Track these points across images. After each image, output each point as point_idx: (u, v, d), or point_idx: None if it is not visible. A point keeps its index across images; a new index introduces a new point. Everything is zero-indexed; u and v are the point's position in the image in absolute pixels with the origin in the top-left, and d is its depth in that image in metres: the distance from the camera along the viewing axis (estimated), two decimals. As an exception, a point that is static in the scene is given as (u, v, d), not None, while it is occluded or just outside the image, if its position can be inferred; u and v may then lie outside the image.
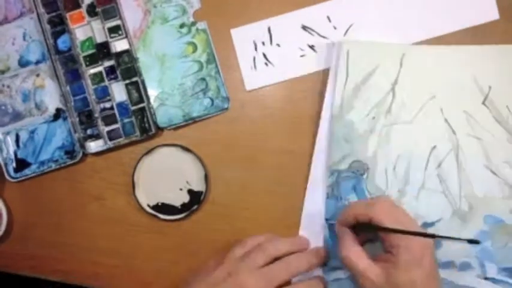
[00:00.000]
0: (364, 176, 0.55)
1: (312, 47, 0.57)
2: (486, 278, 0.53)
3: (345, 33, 0.57)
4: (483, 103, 0.55)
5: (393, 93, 0.55)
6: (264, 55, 0.57)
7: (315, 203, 0.56)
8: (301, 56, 0.57)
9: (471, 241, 0.43)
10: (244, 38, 0.58)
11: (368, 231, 0.50)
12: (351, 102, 0.55)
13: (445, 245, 0.53)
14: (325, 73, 0.57)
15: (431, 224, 0.54)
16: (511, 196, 0.53)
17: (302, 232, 0.56)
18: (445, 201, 0.54)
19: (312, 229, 0.56)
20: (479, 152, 0.54)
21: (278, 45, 0.57)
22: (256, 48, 0.57)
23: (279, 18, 0.57)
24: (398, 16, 0.57)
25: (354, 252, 0.48)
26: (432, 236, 0.44)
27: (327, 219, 0.55)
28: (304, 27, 0.57)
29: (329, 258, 0.54)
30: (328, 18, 0.57)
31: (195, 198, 0.57)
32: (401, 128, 0.55)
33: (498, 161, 0.54)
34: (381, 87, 0.55)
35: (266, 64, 0.57)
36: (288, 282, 0.50)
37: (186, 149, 0.56)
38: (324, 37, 0.57)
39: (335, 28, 0.57)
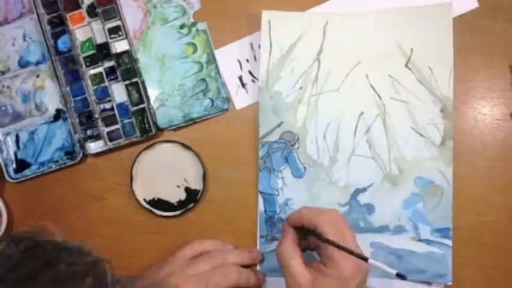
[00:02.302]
0: (295, 146, 0.56)
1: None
2: (420, 240, 0.54)
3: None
4: (406, 66, 0.55)
5: (318, 62, 0.56)
6: (250, 72, 0.58)
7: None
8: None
9: (399, 275, 0.43)
10: (228, 57, 0.58)
11: (310, 237, 0.50)
12: (277, 73, 0.56)
13: (378, 210, 0.54)
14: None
15: (363, 190, 0.55)
16: (439, 156, 0.54)
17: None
18: (376, 166, 0.55)
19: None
20: (405, 114, 0.55)
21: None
22: (241, 67, 0.58)
23: (260, 33, 0.57)
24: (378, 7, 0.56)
25: (291, 252, 0.48)
26: (365, 259, 0.44)
27: (260, 192, 0.56)
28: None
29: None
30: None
31: (192, 196, 0.57)
32: (329, 96, 0.56)
33: (424, 123, 0.55)
34: (305, 56, 0.56)
35: (253, 81, 0.58)
36: None
37: (186, 147, 0.57)
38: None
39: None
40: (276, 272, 0.55)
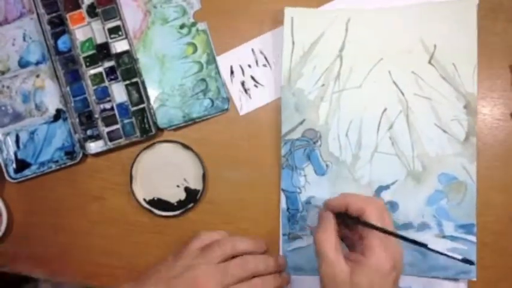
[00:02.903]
0: (318, 144, 0.56)
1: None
2: (444, 237, 0.54)
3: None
4: (429, 62, 0.55)
5: (341, 59, 0.56)
6: (253, 78, 0.58)
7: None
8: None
9: (465, 261, 0.42)
10: (230, 63, 0.58)
11: (348, 225, 0.49)
12: (299, 70, 0.56)
13: (401, 207, 0.54)
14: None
15: (387, 187, 0.55)
16: (463, 153, 0.54)
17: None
18: (399, 163, 0.55)
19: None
20: (429, 111, 0.55)
21: (264, 65, 0.58)
22: (243, 73, 0.58)
23: (261, 38, 0.58)
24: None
25: (330, 240, 0.46)
26: (424, 245, 0.43)
27: (283, 190, 0.56)
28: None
29: (286, 266, 0.55)
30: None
31: (192, 196, 0.57)
32: (351, 93, 0.56)
33: (447, 119, 0.55)
34: (327, 53, 0.56)
35: (256, 86, 0.58)
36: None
37: (186, 146, 0.57)
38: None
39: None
40: (300, 271, 0.55)
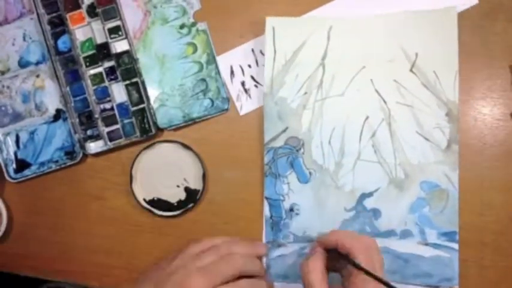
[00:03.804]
0: (301, 152, 0.56)
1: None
2: (427, 244, 0.54)
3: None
4: (411, 70, 0.55)
5: (323, 67, 0.56)
6: (253, 78, 0.58)
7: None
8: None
9: None
10: (230, 63, 0.58)
11: (338, 262, 0.49)
12: (282, 78, 0.56)
13: (384, 214, 0.55)
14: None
15: (370, 195, 0.55)
16: (444, 160, 0.54)
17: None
18: (381, 171, 0.55)
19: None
20: (411, 119, 0.55)
21: (264, 65, 0.57)
22: (243, 73, 0.58)
23: (261, 38, 0.57)
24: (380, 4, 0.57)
25: (318, 274, 0.47)
26: None
27: (266, 197, 0.56)
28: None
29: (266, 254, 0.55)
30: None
31: (192, 196, 0.57)
32: (334, 101, 0.56)
33: (429, 127, 0.55)
34: (310, 62, 0.56)
35: (256, 86, 0.58)
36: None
37: (186, 146, 0.57)
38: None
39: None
40: (283, 278, 0.55)
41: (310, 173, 0.56)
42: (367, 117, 0.55)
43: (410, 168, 0.55)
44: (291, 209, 0.55)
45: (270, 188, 0.56)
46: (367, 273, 0.45)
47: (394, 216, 0.55)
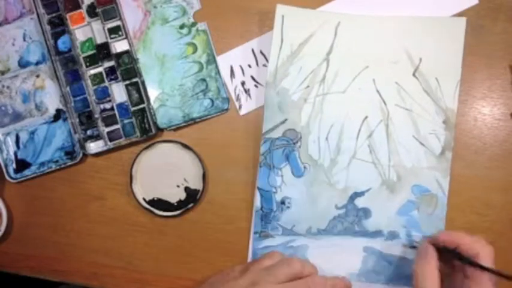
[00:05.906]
0: (298, 145, 0.56)
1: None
2: (412, 247, 0.54)
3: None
4: (413, 75, 0.55)
5: (327, 63, 0.56)
6: (253, 78, 0.58)
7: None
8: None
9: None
10: (230, 63, 0.58)
11: (451, 263, 0.49)
12: (286, 69, 0.56)
13: (374, 214, 0.55)
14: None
15: (361, 194, 0.55)
16: (437, 166, 0.55)
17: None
18: (375, 171, 0.55)
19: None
20: (409, 123, 0.55)
21: (264, 65, 0.58)
22: (243, 73, 0.58)
23: (261, 38, 0.57)
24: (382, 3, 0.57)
25: (433, 275, 0.46)
26: None
27: (258, 188, 0.56)
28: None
29: None
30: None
31: (192, 196, 0.57)
32: (335, 97, 0.56)
33: (425, 132, 0.55)
34: (315, 55, 0.56)
35: (256, 86, 0.58)
36: None
37: (186, 146, 0.57)
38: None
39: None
40: None
41: (304, 167, 0.56)
42: (366, 117, 0.55)
43: (403, 171, 0.55)
44: (282, 202, 0.55)
45: (263, 179, 0.56)
46: (504, 276, 0.44)
47: (383, 217, 0.55)
